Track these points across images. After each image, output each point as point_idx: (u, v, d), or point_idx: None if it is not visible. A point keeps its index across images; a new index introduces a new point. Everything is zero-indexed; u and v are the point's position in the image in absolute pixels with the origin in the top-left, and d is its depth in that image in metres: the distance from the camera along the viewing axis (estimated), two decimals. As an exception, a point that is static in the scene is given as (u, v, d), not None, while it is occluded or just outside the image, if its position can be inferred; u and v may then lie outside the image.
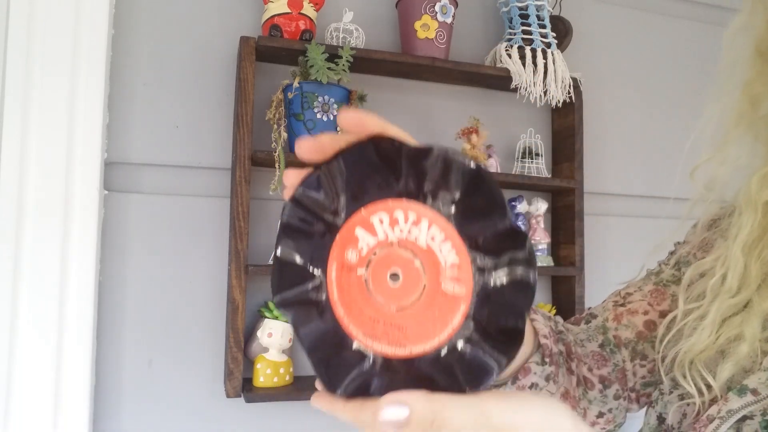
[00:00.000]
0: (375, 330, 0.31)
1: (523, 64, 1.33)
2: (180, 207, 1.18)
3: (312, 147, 0.33)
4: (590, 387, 0.57)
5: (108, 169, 1.14)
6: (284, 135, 1.17)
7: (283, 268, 0.32)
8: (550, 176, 1.44)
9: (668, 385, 0.51)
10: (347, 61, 1.15)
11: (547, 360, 0.52)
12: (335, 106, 1.16)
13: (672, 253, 0.61)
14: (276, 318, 1.14)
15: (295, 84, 1.14)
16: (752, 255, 0.48)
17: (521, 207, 1.38)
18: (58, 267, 1.05)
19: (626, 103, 1.60)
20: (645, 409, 0.58)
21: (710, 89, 0.53)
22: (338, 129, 1.20)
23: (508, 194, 1.43)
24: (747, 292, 0.47)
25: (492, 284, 0.30)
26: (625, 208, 1.57)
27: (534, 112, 1.47)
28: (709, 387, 0.47)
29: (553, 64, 1.35)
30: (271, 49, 1.16)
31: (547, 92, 1.36)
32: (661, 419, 0.53)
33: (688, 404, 0.49)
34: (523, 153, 1.41)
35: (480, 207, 0.30)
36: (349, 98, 1.20)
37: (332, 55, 1.15)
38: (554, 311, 1.39)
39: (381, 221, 0.31)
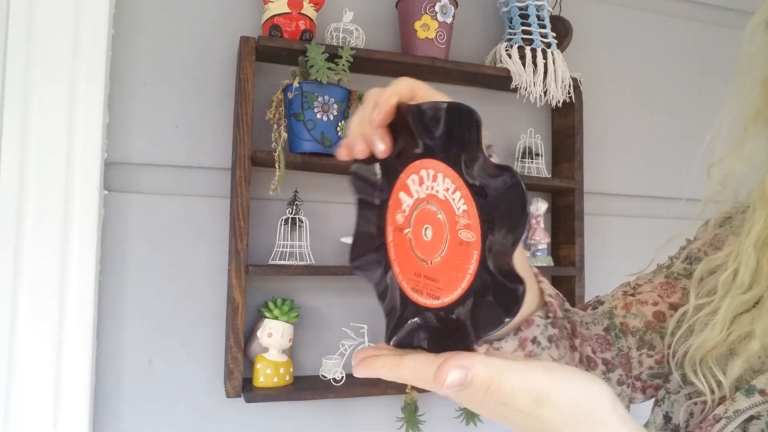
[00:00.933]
0: (418, 284, 0.35)
1: (523, 64, 1.33)
2: (180, 207, 1.18)
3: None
4: (593, 367, 0.57)
5: (108, 169, 1.14)
6: (284, 135, 1.17)
7: (357, 237, 0.37)
8: (550, 176, 1.44)
9: (676, 383, 0.51)
10: (347, 61, 1.15)
11: (550, 316, 0.53)
12: (335, 106, 1.16)
13: (683, 248, 0.61)
14: (276, 318, 1.14)
15: (295, 84, 1.14)
16: (765, 251, 0.48)
17: (521, 207, 1.38)
18: (58, 267, 1.05)
19: (626, 103, 1.60)
20: (651, 408, 0.58)
21: (728, 87, 0.53)
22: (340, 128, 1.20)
23: (508, 194, 1.43)
24: (759, 288, 0.47)
25: (493, 220, 0.31)
26: (625, 208, 1.57)
27: (534, 112, 1.47)
28: (719, 384, 0.47)
29: (553, 64, 1.35)
30: (271, 49, 1.16)
31: (547, 92, 1.36)
32: (667, 418, 0.53)
33: (695, 404, 0.49)
34: (523, 153, 1.41)
35: (462, 142, 0.33)
36: (349, 98, 1.20)
37: (332, 55, 1.15)
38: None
39: (413, 182, 0.35)
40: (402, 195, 0.36)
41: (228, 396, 1.11)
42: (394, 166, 0.38)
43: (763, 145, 0.52)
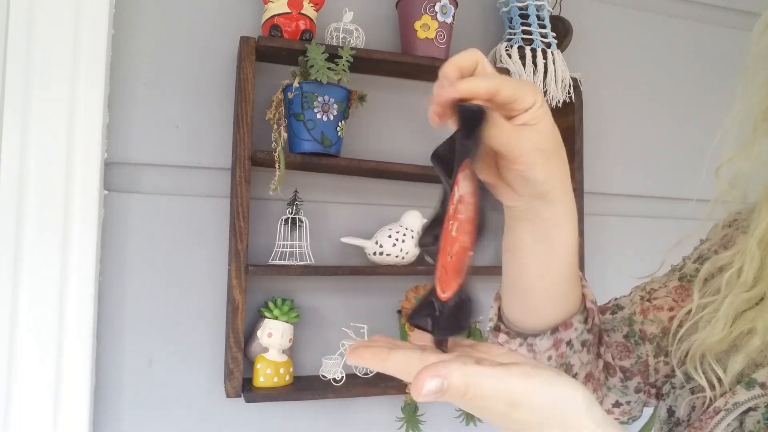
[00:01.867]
0: (440, 273, 0.38)
1: (523, 64, 1.33)
2: (180, 207, 1.18)
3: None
4: (612, 374, 0.58)
5: (108, 169, 1.14)
6: (284, 135, 1.17)
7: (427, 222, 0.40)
8: (550, 176, 1.44)
9: (680, 379, 0.52)
10: (347, 61, 1.15)
11: (589, 321, 0.53)
12: (335, 106, 1.16)
13: (696, 249, 0.62)
14: (276, 318, 1.14)
15: (295, 84, 1.14)
16: None
17: (521, 207, 1.38)
18: (58, 267, 1.05)
19: (626, 103, 1.60)
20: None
21: (737, 87, 0.53)
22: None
23: (508, 194, 1.43)
24: (762, 286, 0.48)
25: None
26: (625, 208, 1.57)
27: (534, 112, 1.47)
28: (720, 380, 0.47)
29: (553, 64, 1.35)
30: (271, 49, 1.16)
31: (547, 92, 1.36)
32: (671, 412, 0.53)
33: (698, 398, 0.49)
34: (523, 153, 1.41)
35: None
36: (349, 98, 1.20)
37: (332, 55, 1.15)
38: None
39: (462, 179, 0.38)
40: (456, 189, 0.38)
41: (228, 396, 1.11)
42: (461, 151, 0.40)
43: None
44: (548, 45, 1.37)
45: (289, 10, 1.16)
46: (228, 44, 1.22)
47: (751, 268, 0.48)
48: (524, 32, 1.35)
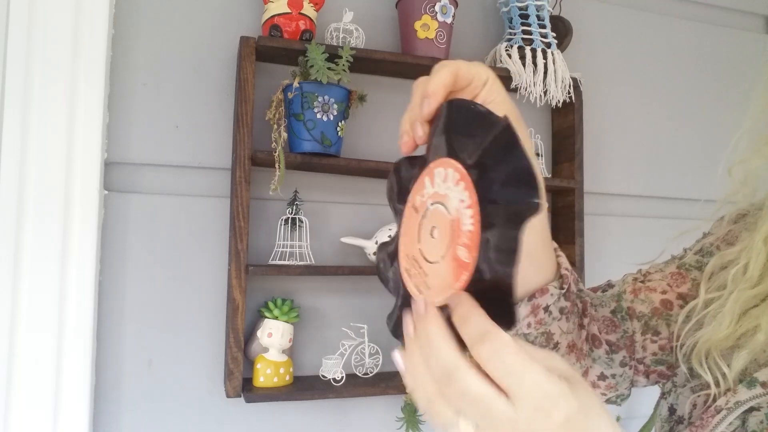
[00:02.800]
0: (411, 268, 0.36)
1: (523, 64, 1.33)
2: (180, 207, 1.18)
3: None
4: (597, 345, 0.59)
5: (108, 169, 1.14)
6: (284, 135, 1.17)
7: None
8: (550, 176, 1.44)
9: (683, 376, 0.52)
10: (347, 61, 1.15)
11: (564, 287, 0.54)
12: (335, 106, 1.16)
13: (698, 241, 0.62)
14: (276, 318, 1.14)
15: (295, 84, 1.14)
16: None
17: (521, 207, 1.38)
18: (58, 267, 1.05)
19: (626, 103, 1.60)
20: (657, 401, 0.59)
21: (745, 88, 0.54)
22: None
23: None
24: (767, 283, 0.48)
25: (489, 259, 0.32)
26: (625, 208, 1.57)
27: (534, 112, 1.47)
28: (724, 376, 0.47)
29: (553, 64, 1.35)
30: (271, 49, 1.16)
31: (547, 92, 1.36)
32: (672, 410, 0.54)
33: (699, 396, 0.50)
34: (523, 153, 1.41)
35: (494, 153, 0.32)
36: (349, 98, 1.20)
37: (332, 55, 1.15)
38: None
39: (439, 174, 0.36)
40: (426, 180, 0.37)
41: (228, 396, 1.11)
42: (429, 150, 0.39)
43: None
44: (548, 45, 1.37)
45: (289, 10, 1.16)
46: (228, 44, 1.22)
47: (756, 264, 0.49)
48: (524, 32, 1.35)
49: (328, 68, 1.12)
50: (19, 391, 1.02)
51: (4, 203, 1.03)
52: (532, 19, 1.36)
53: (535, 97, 1.35)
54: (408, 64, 1.25)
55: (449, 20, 1.29)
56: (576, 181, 1.38)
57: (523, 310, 0.54)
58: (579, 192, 1.39)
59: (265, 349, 1.15)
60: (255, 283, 1.21)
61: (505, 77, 1.32)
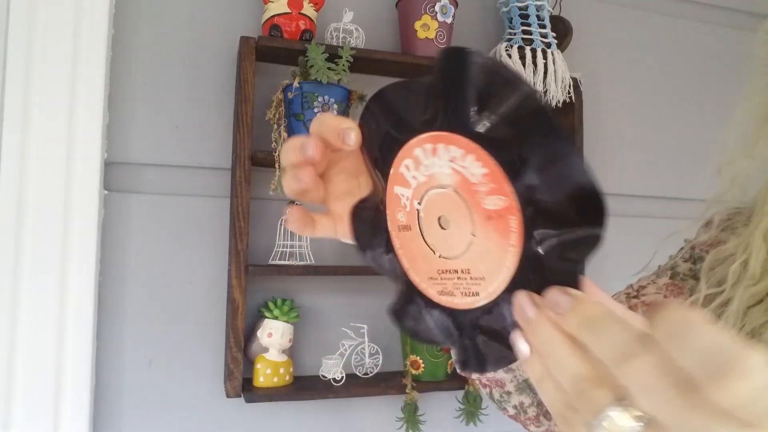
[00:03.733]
0: (446, 284, 0.29)
1: (523, 64, 1.33)
2: (180, 207, 1.18)
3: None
4: None
5: (108, 169, 1.14)
6: (284, 135, 1.17)
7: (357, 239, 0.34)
8: (550, 176, 1.44)
9: None
10: (347, 61, 1.15)
11: None
12: (335, 106, 1.16)
13: (682, 249, 0.62)
14: (276, 318, 1.14)
15: (295, 84, 1.14)
16: None
17: (521, 207, 1.38)
18: (58, 267, 1.05)
19: (626, 103, 1.60)
20: None
21: (741, 88, 0.54)
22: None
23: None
24: None
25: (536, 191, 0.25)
26: (625, 208, 1.57)
27: (534, 112, 1.47)
28: None
29: (553, 64, 1.35)
30: (271, 49, 1.16)
31: (547, 92, 1.36)
32: None
33: None
34: (523, 153, 1.41)
35: (460, 86, 0.26)
36: (349, 98, 1.20)
37: (332, 55, 1.15)
38: (554, 311, 1.39)
39: (407, 168, 0.29)
40: (397, 189, 0.31)
41: (228, 396, 1.11)
42: (382, 163, 0.32)
43: None
44: (548, 45, 1.37)
45: (289, 10, 1.16)
46: (228, 44, 1.22)
47: (757, 260, 0.48)
48: (524, 32, 1.35)
49: (328, 68, 1.12)
50: (20, 391, 1.02)
51: (4, 203, 1.03)
52: (532, 19, 1.36)
53: (535, 97, 1.34)
54: (408, 64, 1.25)
55: (449, 20, 1.29)
56: (576, 181, 1.38)
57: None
58: (579, 192, 1.39)
59: (265, 349, 1.15)
60: (255, 283, 1.21)
61: (505, 77, 1.32)
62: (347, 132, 0.34)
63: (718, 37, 1.71)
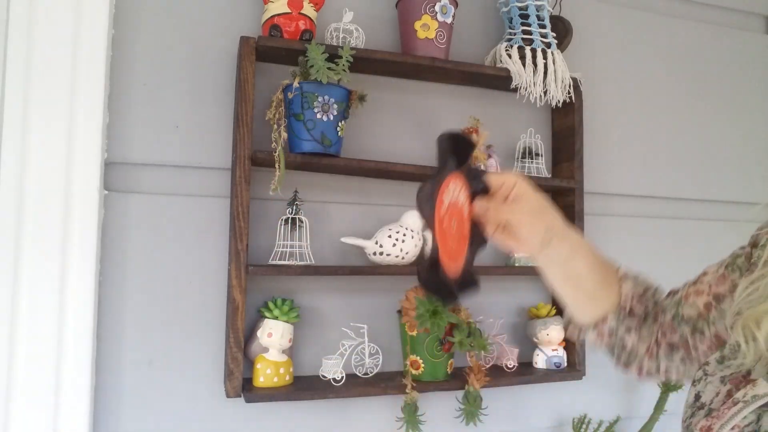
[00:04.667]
0: (447, 247, 0.62)
1: (523, 64, 1.33)
2: (180, 207, 1.18)
3: None
4: (658, 348, 0.70)
5: (108, 169, 1.14)
6: (284, 135, 1.17)
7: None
8: (550, 176, 1.44)
9: (714, 365, 0.54)
10: (347, 61, 1.15)
11: (622, 315, 0.70)
12: (335, 106, 1.16)
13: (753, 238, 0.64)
14: (276, 318, 1.14)
15: (295, 84, 1.14)
16: None
17: (521, 207, 1.38)
18: (58, 267, 1.05)
19: (626, 103, 1.60)
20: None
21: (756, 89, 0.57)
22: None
23: (508, 194, 1.43)
24: None
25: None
26: (625, 208, 1.57)
27: (534, 112, 1.47)
28: (755, 339, 0.50)
29: (553, 64, 1.35)
30: (271, 49, 1.16)
31: (547, 92, 1.36)
32: (697, 397, 0.55)
33: (725, 384, 0.51)
34: (523, 153, 1.41)
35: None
36: (349, 98, 1.20)
37: (332, 55, 1.15)
38: (554, 311, 1.39)
39: (453, 186, 0.64)
40: (445, 192, 0.63)
41: (228, 396, 1.11)
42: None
43: None
44: (548, 45, 1.37)
45: (289, 10, 1.16)
46: (228, 44, 1.22)
47: None
48: (524, 32, 1.35)
49: (328, 68, 1.12)
50: (19, 391, 1.02)
51: (4, 203, 1.03)
52: (532, 19, 1.36)
53: (535, 97, 1.35)
54: (408, 64, 1.26)
55: (449, 20, 1.29)
56: (576, 181, 1.38)
57: (590, 336, 0.72)
58: (579, 192, 1.39)
59: (265, 349, 1.15)
60: (255, 283, 1.21)
61: (505, 77, 1.32)
62: None
63: (718, 37, 1.71)
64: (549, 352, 1.37)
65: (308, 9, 1.18)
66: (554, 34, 1.38)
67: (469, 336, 1.22)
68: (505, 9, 1.39)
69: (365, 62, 1.23)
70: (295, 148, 1.17)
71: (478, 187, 0.66)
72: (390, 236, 1.23)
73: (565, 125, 1.44)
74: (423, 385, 1.21)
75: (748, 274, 0.57)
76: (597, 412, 1.47)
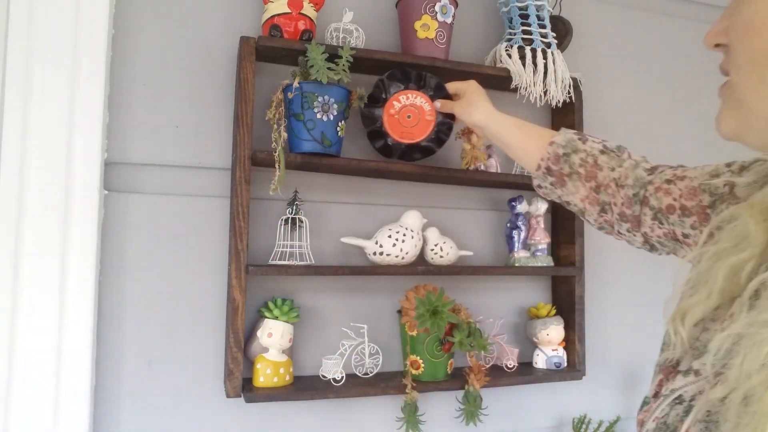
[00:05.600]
0: (401, 133, 1.19)
1: (523, 64, 1.33)
2: (180, 207, 1.18)
3: None
4: (608, 212, 0.79)
5: (108, 169, 1.14)
6: (284, 135, 1.17)
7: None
8: (550, 176, 1.44)
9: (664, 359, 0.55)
10: (347, 61, 1.15)
11: (541, 173, 0.87)
12: (335, 106, 1.16)
13: (743, 168, 0.63)
14: (276, 318, 1.14)
15: (295, 84, 1.14)
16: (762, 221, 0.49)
17: (521, 207, 1.38)
18: (58, 267, 1.05)
19: (626, 103, 1.60)
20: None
21: None
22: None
23: (508, 194, 1.43)
24: (751, 249, 0.48)
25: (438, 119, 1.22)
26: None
27: (534, 112, 1.47)
28: (677, 333, 0.51)
29: (553, 64, 1.35)
30: (271, 49, 1.17)
31: (547, 92, 1.36)
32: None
33: (658, 374, 0.53)
34: (523, 153, 1.41)
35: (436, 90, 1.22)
36: (349, 98, 1.20)
37: (332, 55, 1.15)
38: (554, 311, 1.39)
39: (405, 97, 1.20)
40: (395, 101, 1.18)
41: (228, 396, 1.11)
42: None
43: None
44: (548, 45, 1.37)
45: (289, 10, 1.16)
46: (228, 44, 1.23)
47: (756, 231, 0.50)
48: (524, 32, 1.35)
49: (328, 68, 1.12)
50: (19, 391, 1.02)
51: (4, 203, 1.03)
52: (532, 19, 1.36)
53: (535, 97, 1.35)
54: (408, 64, 1.25)
55: (449, 20, 1.29)
56: (576, 181, 1.38)
57: (535, 181, 0.90)
58: (579, 192, 1.39)
59: (265, 349, 1.15)
60: (255, 283, 1.21)
61: (505, 77, 1.32)
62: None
63: (718, 37, 1.70)
64: (549, 352, 1.37)
65: (308, 9, 1.18)
66: (554, 34, 1.38)
67: (469, 336, 1.22)
68: (505, 9, 1.39)
69: (365, 62, 1.23)
70: (295, 148, 1.17)
71: (441, 94, 1.20)
72: (390, 236, 1.23)
73: (565, 125, 1.44)
74: (423, 385, 1.21)
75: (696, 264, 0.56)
76: (597, 412, 1.47)
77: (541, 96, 1.35)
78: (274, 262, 1.17)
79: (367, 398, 1.27)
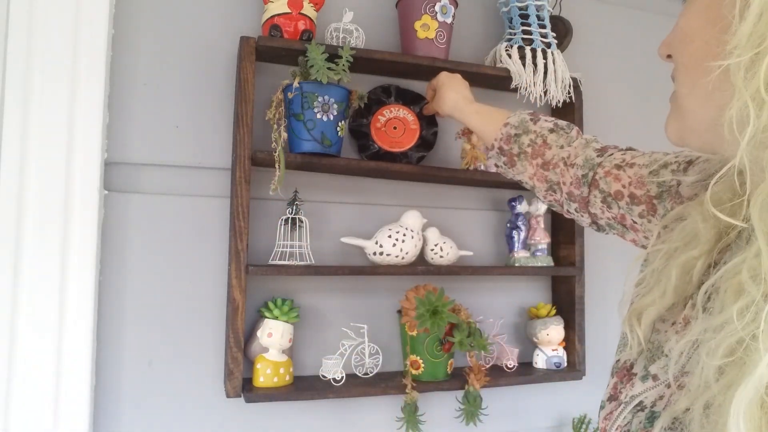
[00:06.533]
0: (390, 143, 1.27)
1: (523, 64, 1.33)
2: (180, 207, 1.18)
3: None
4: (557, 191, 0.80)
5: (108, 169, 1.14)
6: (284, 135, 1.17)
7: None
8: (550, 176, 1.44)
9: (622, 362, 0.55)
10: (347, 61, 1.15)
11: (494, 152, 0.91)
12: (335, 106, 1.16)
13: (689, 163, 0.62)
14: (276, 318, 1.14)
15: (295, 84, 1.14)
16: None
17: (521, 207, 1.38)
18: (58, 267, 1.05)
19: (626, 103, 1.60)
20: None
21: None
22: (339, 126, 1.19)
23: (508, 194, 1.43)
24: (702, 247, 0.48)
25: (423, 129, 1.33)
26: (625, 208, 1.57)
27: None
28: (633, 332, 0.51)
29: (553, 64, 1.35)
30: (271, 49, 1.16)
31: (547, 92, 1.36)
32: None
33: (613, 376, 0.54)
34: (523, 153, 1.41)
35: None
36: (349, 98, 1.20)
37: (332, 55, 1.15)
38: (554, 311, 1.39)
39: (388, 111, 1.29)
40: (380, 116, 1.27)
41: (228, 396, 1.11)
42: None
43: None
44: (548, 45, 1.37)
45: (289, 10, 1.16)
46: (228, 44, 1.22)
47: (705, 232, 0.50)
48: (524, 32, 1.35)
49: (328, 68, 1.12)
50: (20, 391, 1.02)
51: (4, 203, 1.03)
52: (532, 19, 1.36)
53: (535, 97, 1.35)
54: (408, 64, 1.26)
55: (449, 20, 1.29)
56: (576, 181, 1.38)
57: (490, 161, 0.95)
58: (579, 192, 1.39)
59: (265, 349, 1.15)
60: (255, 283, 1.21)
61: (505, 77, 1.32)
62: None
63: (718, 37, 1.70)
64: (549, 352, 1.37)
65: (308, 9, 1.18)
66: (554, 34, 1.38)
67: (469, 336, 1.22)
68: (505, 9, 1.39)
69: (365, 62, 1.23)
70: (295, 148, 1.17)
71: (422, 103, 1.31)
72: (390, 236, 1.23)
73: (565, 125, 1.44)
74: (423, 385, 1.21)
75: (644, 267, 0.56)
76: (597, 412, 1.47)
77: (541, 96, 1.35)
78: (274, 262, 1.17)
79: (367, 398, 1.27)
